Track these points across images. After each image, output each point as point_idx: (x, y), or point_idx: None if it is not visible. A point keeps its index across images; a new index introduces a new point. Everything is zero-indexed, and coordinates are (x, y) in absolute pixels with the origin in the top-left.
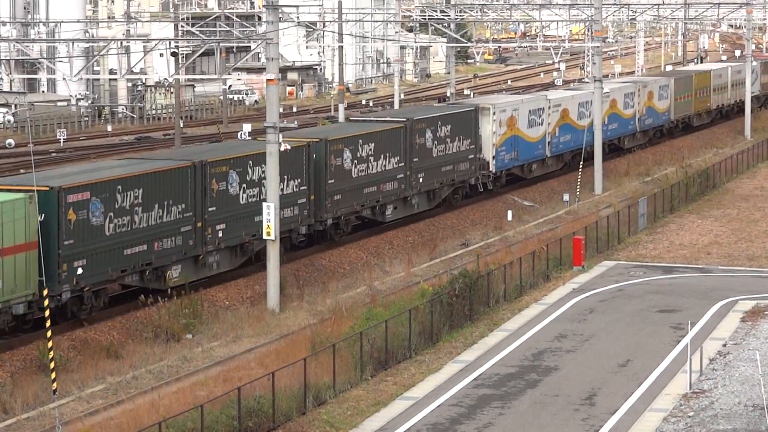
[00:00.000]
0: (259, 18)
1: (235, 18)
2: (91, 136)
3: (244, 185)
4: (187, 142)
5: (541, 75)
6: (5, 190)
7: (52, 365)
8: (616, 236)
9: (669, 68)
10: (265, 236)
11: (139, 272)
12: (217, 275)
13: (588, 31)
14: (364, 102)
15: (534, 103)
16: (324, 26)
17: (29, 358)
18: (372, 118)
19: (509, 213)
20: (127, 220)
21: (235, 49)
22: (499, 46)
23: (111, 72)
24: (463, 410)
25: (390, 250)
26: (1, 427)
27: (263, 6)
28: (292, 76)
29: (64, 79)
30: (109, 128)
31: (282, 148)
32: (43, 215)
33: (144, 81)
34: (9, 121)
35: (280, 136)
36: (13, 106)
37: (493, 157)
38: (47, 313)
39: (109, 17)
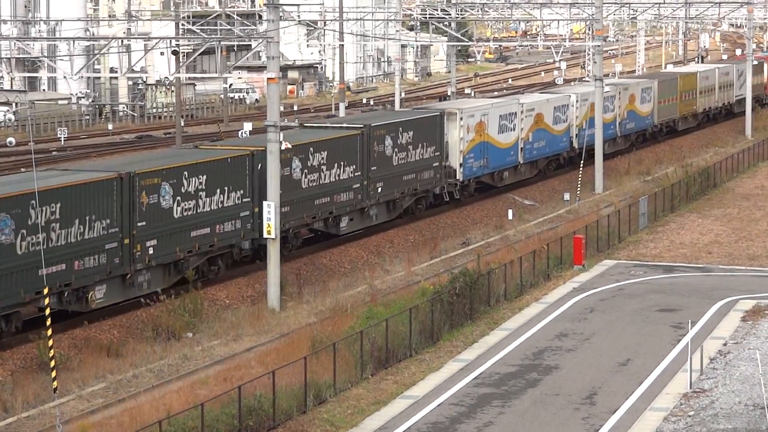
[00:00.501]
0: (260, 16)
1: (235, 16)
2: (92, 134)
3: (179, 198)
4: (188, 141)
5: (542, 74)
6: None
7: (52, 364)
8: (617, 235)
9: (670, 67)
10: (265, 235)
11: (57, 294)
12: (217, 275)
13: (589, 30)
14: (364, 101)
15: (505, 108)
16: (325, 25)
17: (29, 357)
18: (326, 124)
19: (510, 212)
20: (42, 238)
21: (235, 48)
22: (500, 45)
23: (112, 70)
24: (463, 409)
25: (390, 249)
26: (1, 426)
27: (264, 4)
28: (293, 74)
29: (64, 77)
30: (110, 127)
31: (283, 147)
32: None
33: (145, 79)
34: (10, 120)
35: (281, 135)
36: (13, 105)
37: (461, 165)
38: (47, 311)
39: (109, 16)
